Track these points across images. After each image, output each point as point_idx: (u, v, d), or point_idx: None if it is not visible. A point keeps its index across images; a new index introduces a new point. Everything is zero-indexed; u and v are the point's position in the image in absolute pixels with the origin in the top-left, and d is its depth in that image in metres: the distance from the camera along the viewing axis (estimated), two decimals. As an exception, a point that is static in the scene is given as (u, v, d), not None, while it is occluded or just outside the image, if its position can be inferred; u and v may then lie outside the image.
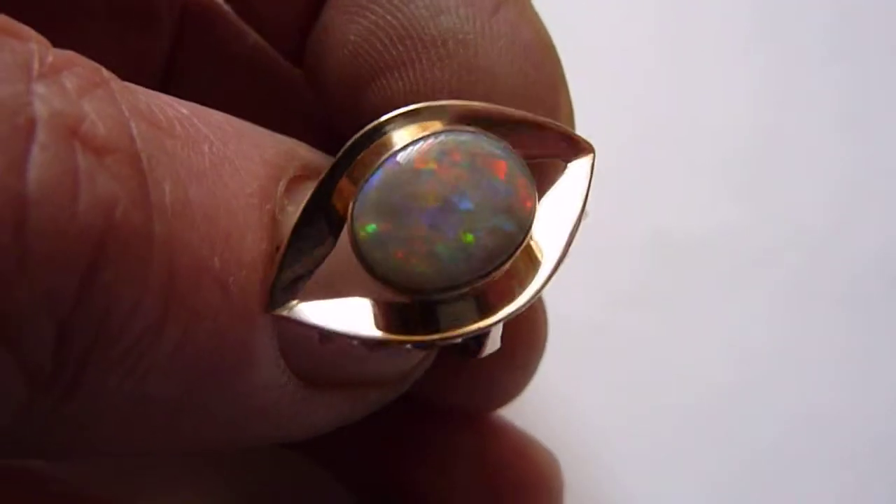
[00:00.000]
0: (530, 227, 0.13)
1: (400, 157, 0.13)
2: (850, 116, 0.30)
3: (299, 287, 0.13)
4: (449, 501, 0.20)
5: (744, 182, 0.29)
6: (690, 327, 0.26)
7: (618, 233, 0.27)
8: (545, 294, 0.15)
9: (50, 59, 0.11)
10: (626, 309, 0.26)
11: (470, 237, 0.13)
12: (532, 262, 0.14)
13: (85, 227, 0.11)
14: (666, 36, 0.30)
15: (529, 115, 0.14)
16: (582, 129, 0.17)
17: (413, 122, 0.14)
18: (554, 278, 0.14)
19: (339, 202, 0.13)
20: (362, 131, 0.13)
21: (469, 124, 0.14)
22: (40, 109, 0.11)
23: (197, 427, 0.13)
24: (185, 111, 0.13)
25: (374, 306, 0.13)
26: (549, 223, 0.14)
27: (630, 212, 0.27)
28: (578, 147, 0.14)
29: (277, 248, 0.13)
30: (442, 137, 0.13)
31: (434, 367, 0.17)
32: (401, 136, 0.14)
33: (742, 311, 0.27)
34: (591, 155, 0.14)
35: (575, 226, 0.14)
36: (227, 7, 0.20)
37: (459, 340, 0.14)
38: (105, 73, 0.12)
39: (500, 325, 0.14)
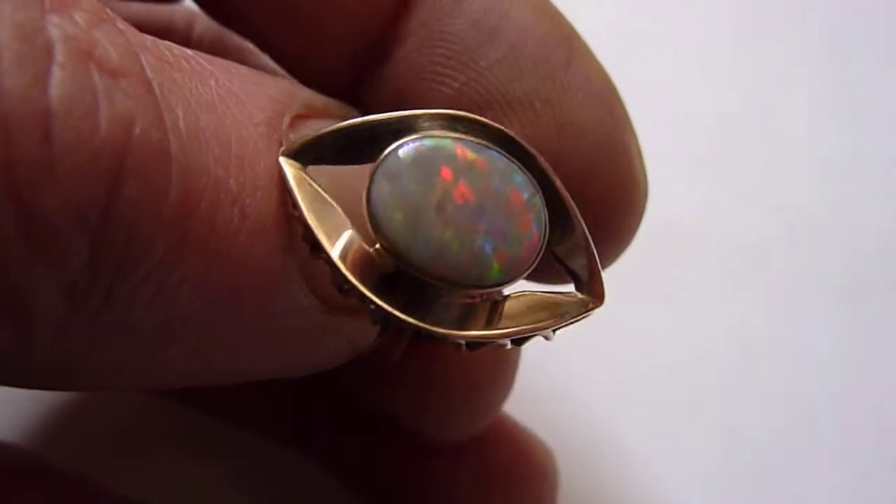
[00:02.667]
0: (505, 286, 0.14)
1: (468, 146, 0.13)
2: (851, 109, 0.30)
3: (312, 159, 0.13)
4: (446, 494, 0.20)
5: (743, 174, 0.29)
6: (689, 319, 0.27)
7: None
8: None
9: None
10: (624, 300, 0.26)
11: (456, 244, 0.13)
12: (495, 315, 0.14)
13: (107, 140, 0.11)
14: (661, 29, 0.31)
15: (585, 231, 0.15)
16: None
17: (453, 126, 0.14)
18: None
19: (381, 142, 0.14)
20: (416, 110, 0.14)
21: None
22: (56, 34, 0.11)
23: (225, 351, 0.14)
24: (189, 52, 0.14)
25: (353, 242, 0.13)
26: (523, 306, 0.14)
27: None
28: (594, 289, 0.15)
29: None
30: (511, 165, 0.13)
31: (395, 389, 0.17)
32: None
33: (742, 302, 0.27)
34: (597, 306, 0.15)
35: (537, 329, 0.14)
36: (235, 37, 0.21)
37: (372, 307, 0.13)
38: (109, 12, 0.13)
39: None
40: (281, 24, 0.17)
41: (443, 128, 0.14)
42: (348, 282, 0.13)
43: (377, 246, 0.13)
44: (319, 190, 0.13)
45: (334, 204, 0.13)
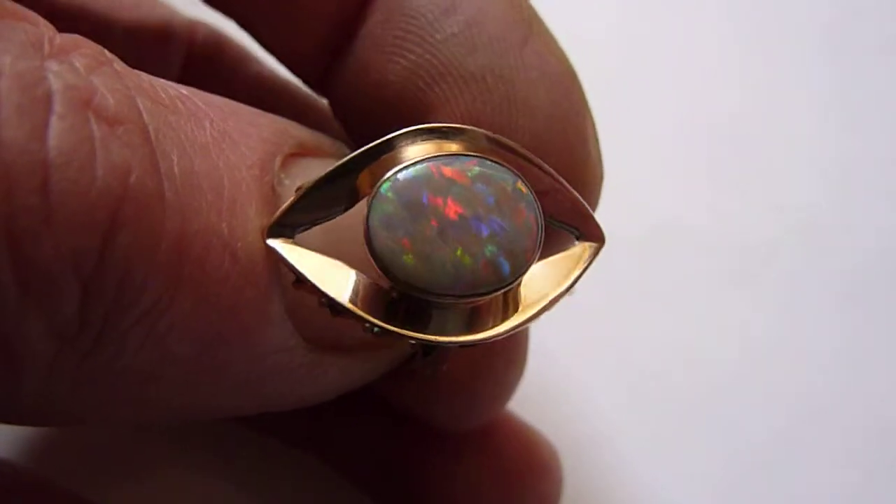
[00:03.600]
0: (522, 277, 0.14)
1: (441, 162, 0.14)
2: (854, 110, 0.30)
3: (300, 229, 0.14)
4: (454, 488, 0.21)
5: (745, 175, 0.29)
6: (692, 319, 0.27)
7: (620, 225, 0.26)
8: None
9: (58, 40, 0.12)
10: (629, 300, 0.27)
11: (468, 259, 0.13)
12: (512, 306, 0.15)
13: (103, 190, 0.11)
14: (663, 31, 0.31)
15: (563, 182, 0.15)
16: None
17: (434, 139, 0.14)
18: (515, 331, 0.14)
19: (361, 183, 0.14)
20: (395, 133, 0.14)
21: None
22: (55, 83, 0.12)
23: (211, 390, 0.14)
24: (184, 91, 0.14)
25: (357, 280, 0.14)
26: (540, 281, 0.15)
27: (632, 204, 0.27)
28: (593, 232, 0.15)
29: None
30: (484, 163, 0.14)
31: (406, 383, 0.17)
32: (417, 150, 0.14)
33: (744, 302, 0.27)
34: (600, 245, 0.15)
35: (558, 297, 0.15)
36: (233, 40, 0.21)
37: (412, 342, 0.14)
38: (108, 54, 0.13)
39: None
40: (260, 4, 0.17)
41: (422, 141, 0.14)
42: (381, 327, 0.14)
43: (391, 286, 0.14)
44: (313, 254, 0.14)
45: (333, 261, 0.14)
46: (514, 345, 0.19)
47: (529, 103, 0.16)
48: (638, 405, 0.25)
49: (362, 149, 0.14)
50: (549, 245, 0.15)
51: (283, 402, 0.15)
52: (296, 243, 0.14)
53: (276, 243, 0.13)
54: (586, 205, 0.15)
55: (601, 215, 0.16)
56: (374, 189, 0.13)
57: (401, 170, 0.13)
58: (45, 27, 0.12)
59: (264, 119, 0.15)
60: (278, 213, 0.14)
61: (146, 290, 0.12)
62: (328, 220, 0.14)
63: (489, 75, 0.16)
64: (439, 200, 0.13)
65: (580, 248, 0.15)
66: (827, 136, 0.29)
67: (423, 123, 0.14)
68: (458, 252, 0.13)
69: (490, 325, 0.14)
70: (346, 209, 0.14)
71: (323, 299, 0.14)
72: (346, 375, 0.16)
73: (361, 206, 0.14)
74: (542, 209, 0.14)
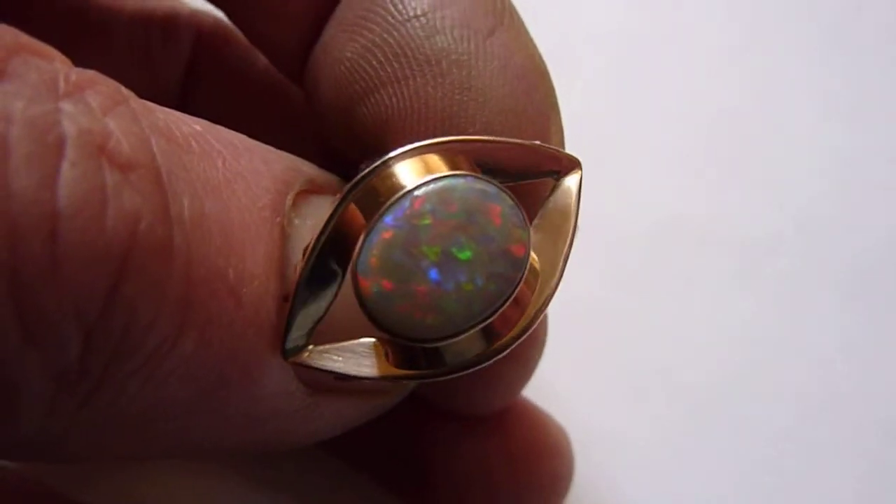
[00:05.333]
0: (525, 266, 0.14)
1: (394, 216, 0.13)
2: (857, 106, 0.30)
3: (311, 331, 0.14)
4: (464, 471, 0.21)
5: (749, 171, 0.29)
6: (695, 315, 0.27)
7: (621, 221, 0.26)
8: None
9: (74, 77, 0.12)
10: (631, 296, 0.26)
11: (470, 286, 0.13)
12: (533, 279, 0.14)
13: (111, 240, 0.11)
14: (665, 27, 0.31)
15: (519, 141, 0.15)
16: (585, 121, 0.17)
17: (415, 155, 0.14)
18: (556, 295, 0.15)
19: (350, 232, 0.14)
20: (370, 167, 0.14)
21: (462, 155, 0.14)
22: (69, 127, 0.11)
23: (209, 430, 0.14)
24: (198, 128, 0.14)
25: (380, 346, 0.14)
26: (545, 240, 0.15)
27: (634, 201, 0.27)
28: (566, 165, 0.15)
29: (286, 298, 0.14)
30: (432, 187, 0.13)
31: None
32: (403, 168, 0.14)
33: (748, 298, 0.27)
34: (579, 172, 0.15)
35: (569, 243, 0.15)
36: (238, 31, 0.21)
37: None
38: (125, 91, 0.13)
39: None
40: None
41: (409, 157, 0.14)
42: (424, 375, 0.14)
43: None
44: (333, 347, 0.14)
45: (348, 344, 0.14)
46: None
47: (483, 93, 0.15)
48: (640, 400, 0.25)
49: (326, 220, 0.14)
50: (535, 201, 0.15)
51: (280, 443, 0.15)
52: (314, 345, 0.14)
53: (303, 360, 0.14)
54: (551, 147, 0.15)
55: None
56: (353, 280, 0.13)
57: (362, 244, 0.13)
58: (61, 62, 0.12)
59: (275, 155, 0.15)
60: (282, 330, 0.13)
61: (149, 336, 0.12)
62: (331, 305, 0.14)
63: (445, 60, 0.15)
64: (416, 251, 0.13)
65: (564, 185, 0.15)
66: (829, 131, 0.29)
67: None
68: (465, 286, 0.13)
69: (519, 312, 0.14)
70: (342, 278, 0.14)
71: (368, 382, 0.14)
72: (341, 417, 0.16)
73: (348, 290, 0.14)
74: (510, 176, 0.14)
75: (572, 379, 0.25)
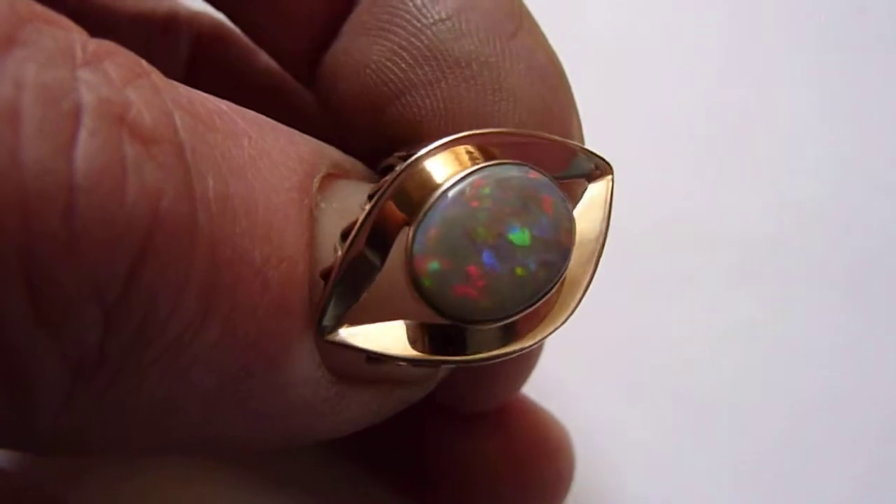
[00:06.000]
0: (570, 257, 0.14)
1: (454, 197, 0.13)
2: (856, 105, 0.30)
3: (346, 312, 0.13)
4: (466, 469, 0.21)
5: (747, 170, 0.29)
6: (694, 315, 0.27)
7: (621, 220, 0.26)
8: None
9: (91, 47, 0.11)
10: (630, 295, 0.26)
11: (522, 271, 0.13)
12: (560, 284, 0.14)
13: (133, 216, 0.11)
14: (665, 27, 0.31)
15: (557, 138, 0.15)
16: (585, 121, 0.17)
17: (447, 149, 0.14)
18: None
19: (388, 226, 0.14)
20: (407, 163, 0.14)
21: (499, 149, 0.14)
22: (87, 96, 0.11)
23: (231, 423, 0.13)
24: (223, 106, 0.13)
25: (410, 328, 0.14)
26: (577, 242, 0.15)
27: (633, 200, 0.27)
28: (599, 168, 0.15)
29: (323, 274, 0.13)
30: (489, 172, 0.13)
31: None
32: (436, 164, 0.14)
33: (747, 298, 0.27)
34: (610, 176, 0.15)
35: (600, 250, 0.15)
36: (240, 32, 0.21)
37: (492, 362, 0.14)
38: (146, 64, 0.12)
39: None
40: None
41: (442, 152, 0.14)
42: (452, 361, 0.14)
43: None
44: (366, 328, 0.13)
45: (381, 325, 0.14)
46: None
47: (514, 93, 0.16)
48: (639, 400, 0.25)
49: (365, 213, 0.13)
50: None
51: (304, 436, 0.15)
52: (350, 324, 0.13)
53: (337, 337, 0.13)
54: (586, 148, 0.15)
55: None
56: (409, 256, 0.13)
57: (419, 224, 0.13)
58: (78, 33, 0.12)
59: (300, 138, 0.14)
60: (320, 305, 0.13)
61: (171, 322, 0.11)
62: (368, 288, 0.13)
63: (475, 62, 0.15)
64: (473, 233, 0.13)
65: (596, 188, 0.15)
66: (829, 131, 0.29)
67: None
68: (518, 271, 0.13)
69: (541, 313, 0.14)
70: (381, 266, 0.14)
71: (401, 363, 0.14)
72: (367, 410, 0.15)
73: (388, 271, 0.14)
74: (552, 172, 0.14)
75: (572, 377, 0.25)
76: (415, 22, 0.16)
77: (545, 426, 0.21)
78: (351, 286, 0.13)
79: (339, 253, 0.13)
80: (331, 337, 0.13)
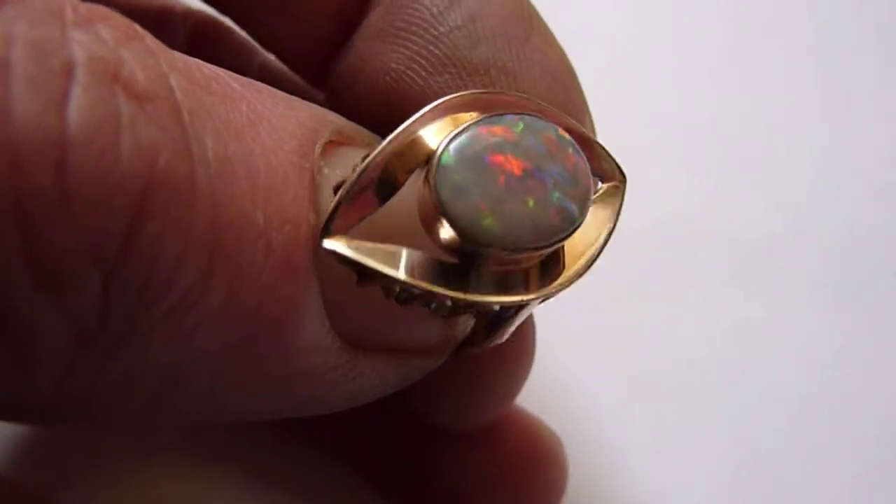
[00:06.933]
0: (586, 212, 0.14)
1: (486, 124, 0.14)
2: (854, 106, 0.30)
3: (349, 230, 0.13)
4: (460, 480, 0.20)
5: (745, 171, 0.29)
6: (693, 315, 0.27)
7: (622, 223, 0.26)
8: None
9: (83, 10, 0.11)
10: (628, 295, 0.26)
11: (539, 210, 0.13)
12: (557, 262, 0.15)
13: (129, 173, 0.10)
14: (663, 26, 0.31)
15: (588, 135, 0.15)
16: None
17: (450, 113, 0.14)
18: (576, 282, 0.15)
19: (396, 172, 0.14)
20: (417, 115, 0.14)
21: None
22: (79, 53, 0.11)
23: (238, 392, 0.13)
24: (221, 73, 0.13)
25: (416, 258, 0.14)
26: (580, 234, 0.15)
27: (632, 200, 0.27)
28: (613, 172, 0.15)
29: (335, 189, 0.13)
30: (526, 117, 0.14)
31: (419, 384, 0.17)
32: (443, 126, 0.14)
33: (745, 298, 0.27)
34: (623, 184, 0.15)
35: (601, 247, 0.15)
36: (235, 29, 0.21)
37: (496, 308, 0.14)
38: (139, 28, 0.12)
39: (519, 320, 0.15)
40: (262, 4, 0.18)
41: (447, 114, 0.14)
42: (463, 299, 0.13)
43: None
44: (370, 245, 0.13)
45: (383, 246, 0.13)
46: (523, 341, 0.19)
47: (532, 95, 0.16)
48: (637, 400, 0.25)
49: (391, 137, 0.14)
50: None
51: (315, 406, 0.14)
52: (350, 239, 0.13)
53: (333, 244, 0.13)
54: (604, 147, 0.15)
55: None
56: (433, 163, 0.13)
57: (452, 139, 0.13)
58: None
59: (301, 103, 0.14)
60: (328, 213, 0.13)
61: (174, 283, 0.11)
62: (374, 212, 0.13)
63: (493, 68, 0.16)
64: (500, 158, 0.13)
65: (606, 188, 0.15)
66: (827, 131, 0.29)
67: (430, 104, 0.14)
68: (531, 204, 0.13)
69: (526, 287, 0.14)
70: (385, 201, 0.13)
71: (396, 287, 0.13)
72: (381, 378, 0.15)
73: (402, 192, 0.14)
74: None
75: (568, 378, 0.25)
76: (432, 30, 0.16)
77: (537, 436, 0.21)
78: (360, 204, 0.13)
79: (359, 166, 0.13)
80: (332, 243, 0.13)
